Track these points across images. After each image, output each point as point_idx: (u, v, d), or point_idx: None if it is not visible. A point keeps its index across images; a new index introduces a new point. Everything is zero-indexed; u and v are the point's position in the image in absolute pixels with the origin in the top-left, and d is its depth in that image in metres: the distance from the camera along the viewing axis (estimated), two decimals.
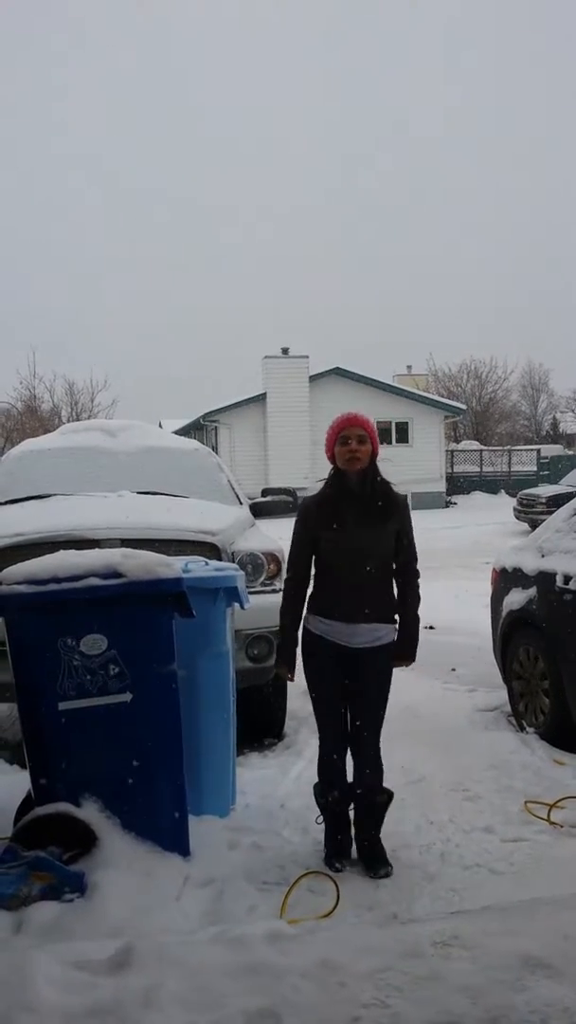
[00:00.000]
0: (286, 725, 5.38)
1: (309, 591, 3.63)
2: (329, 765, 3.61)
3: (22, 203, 78.33)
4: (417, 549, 3.67)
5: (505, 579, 5.69)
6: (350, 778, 3.61)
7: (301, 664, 3.60)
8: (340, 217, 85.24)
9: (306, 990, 2.23)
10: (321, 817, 3.65)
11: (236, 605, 4.10)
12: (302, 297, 73.81)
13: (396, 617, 3.60)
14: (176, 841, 3.29)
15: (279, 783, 4.43)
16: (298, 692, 5.81)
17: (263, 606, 4.78)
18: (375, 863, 3.48)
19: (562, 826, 3.86)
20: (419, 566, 3.67)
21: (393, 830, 3.67)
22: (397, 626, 3.60)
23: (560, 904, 2.76)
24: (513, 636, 5.51)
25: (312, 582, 3.64)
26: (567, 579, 4.88)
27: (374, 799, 3.56)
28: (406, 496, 3.68)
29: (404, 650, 3.62)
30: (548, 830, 3.85)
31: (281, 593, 3.70)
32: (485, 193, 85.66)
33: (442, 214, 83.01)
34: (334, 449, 3.54)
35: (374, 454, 3.54)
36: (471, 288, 77.75)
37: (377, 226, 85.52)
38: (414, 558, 3.64)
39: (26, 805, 3.38)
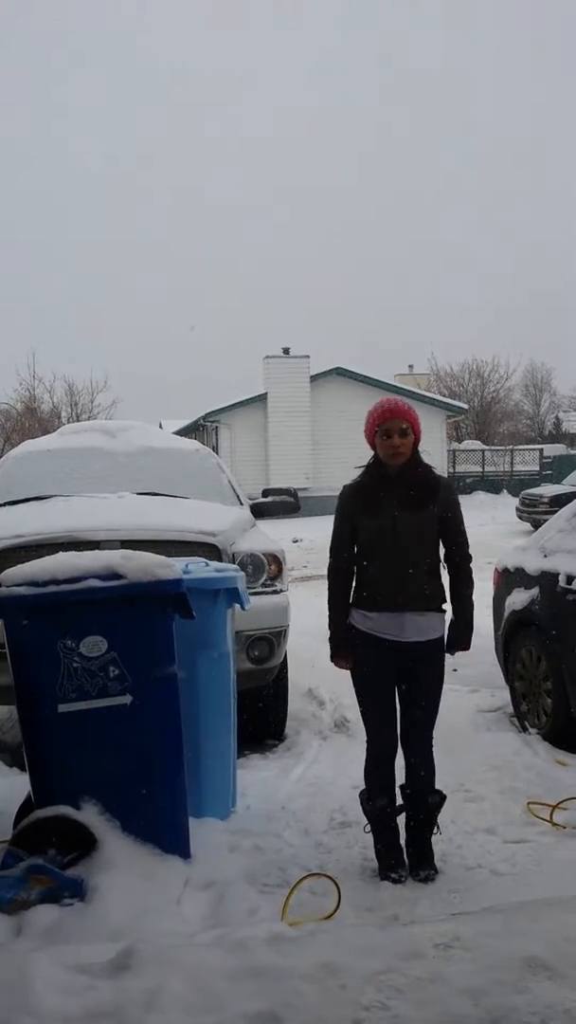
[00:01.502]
0: (287, 727, 5.38)
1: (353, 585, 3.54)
2: (379, 772, 3.51)
3: (22, 203, 78.41)
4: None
5: (507, 579, 5.68)
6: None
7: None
8: (341, 217, 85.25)
9: (307, 992, 2.22)
10: (369, 826, 3.54)
11: (237, 606, 4.10)
12: (303, 297, 73.85)
13: (446, 606, 3.50)
14: (176, 843, 3.28)
15: (280, 785, 4.43)
16: (299, 694, 5.82)
17: (264, 607, 4.79)
18: (421, 865, 3.43)
19: (564, 827, 3.85)
20: None
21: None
22: (447, 615, 3.51)
23: (562, 905, 2.75)
24: (515, 636, 5.50)
25: (355, 576, 3.54)
26: (570, 579, 4.87)
27: (427, 800, 3.49)
28: (450, 480, 3.59)
29: (460, 637, 3.53)
30: (550, 831, 3.84)
31: (327, 585, 3.58)
32: (487, 192, 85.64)
33: (443, 213, 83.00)
34: (375, 439, 3.44)
35: (416, 443, 3.45)
36: (473, 287, 77.82)
37: (378, 225, 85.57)
38: (465, 542, 3.53)
39: (26, 808, 3.37)
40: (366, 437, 3.49)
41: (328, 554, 3.59)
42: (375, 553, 3.43)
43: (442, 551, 3.54)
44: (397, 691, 3.50)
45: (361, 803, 3.57)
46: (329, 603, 3.56)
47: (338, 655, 3.55)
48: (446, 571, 3.57)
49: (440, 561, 3.52)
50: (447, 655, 3.55)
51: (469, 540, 3.58)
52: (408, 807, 3.52)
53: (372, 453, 3.51)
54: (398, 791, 3.55)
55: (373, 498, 3.43)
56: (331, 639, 3.56)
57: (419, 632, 3.42)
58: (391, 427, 3.39)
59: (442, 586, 3.51)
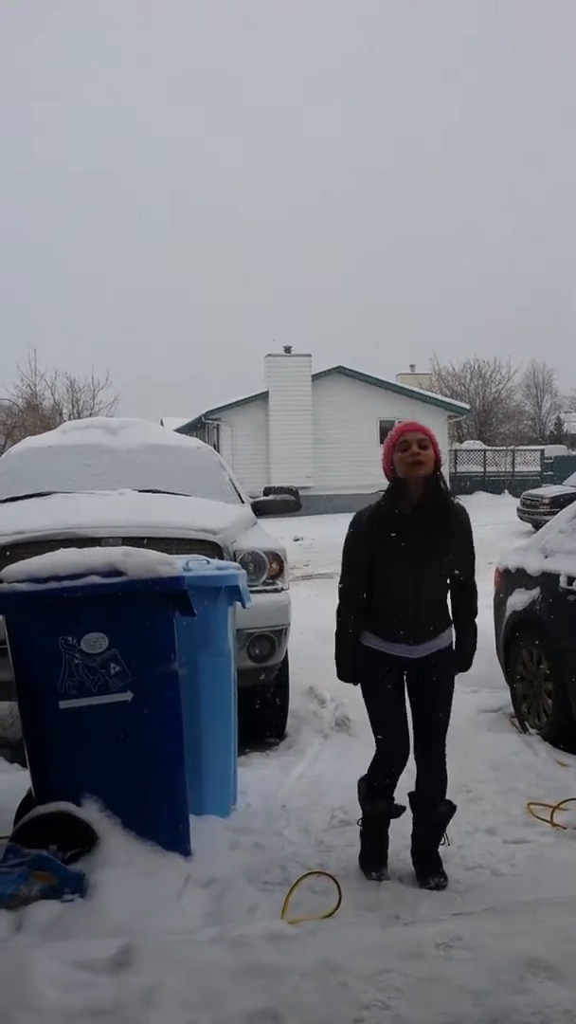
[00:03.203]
0: (288, 725, 5.38)
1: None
2: (386, 778, 3.50)
3: (22, 203, 78.36)
4: None
5: (508, 580, 5.68)
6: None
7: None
8: (342, 217, 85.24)
9: (307, 991, 2.22)
10: (361, 821, 3.57)
11: (238, 604, 4.09)
12: (305, 296, 73.85)
13: (451, 620, 3.50)
14: (177, 841, 3.28)
15: (281, 783, 4.43)
16: (300, 692, 5.82)
17: (265, 605, 4.78)
18: (429, 874, 3.42)
19: (565, 828, 3.85)
20: None
21: (395, 830, 3.65)
22: (452, 628, 3.50)
23: (563, 906, 2.75)
24: (516, 637, 5.50)
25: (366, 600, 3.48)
26: (571, 580, 4.87)
27: (436, 809, 3.48)
28: (466, 512, 3.49)
29: (462, 660, 3.53)
30: (551, 832, 3.84)
31: (336, 617, 3.51)
32: (489, 192, 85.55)
33: (445, 213, 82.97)
34: (392, 459, 3.35)
35: (437, 462, 3.36)
36: (474, 287, 77.77)
37: (380, 225, 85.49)
38: (473, 571, 3.50)
39: (27, 804, 3.37)
40: (384, 465, 3.41)
41: (340, 580, 3.50)
42: (389, 582, 3.37)
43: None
44: (408, 701, 3.50)
45: (359, 797, 3.57)
46: (338, 627, 3.49)
47: (344, 675, 3.53)
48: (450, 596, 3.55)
49: (448, 588, 3.50)
50: None
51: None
52: (417, 816, 3.52)
53: (389, 482, 3.43)
54: (408, 799, 3.55)
55: (391, 526, 3.34)
56: (337, 660, 3.52)
57: (429, 648, 3.43)
58: (409, 439, 3.33)
59: (448, 607, 3.51)
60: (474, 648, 3.56)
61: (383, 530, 3.35)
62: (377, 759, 3.52)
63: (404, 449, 3.33)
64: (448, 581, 3.47)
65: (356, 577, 3.43)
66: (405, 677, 3.48)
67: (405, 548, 3.32)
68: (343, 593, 3.48)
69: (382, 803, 3.51)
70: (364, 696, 3.52)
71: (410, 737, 3.49)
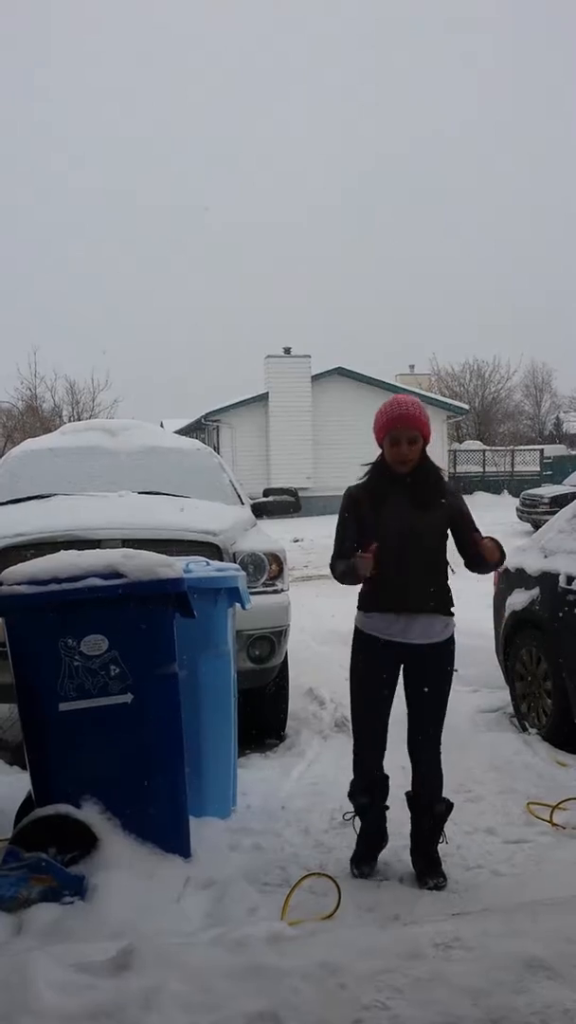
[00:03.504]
0: (287, 726, 5.38)
1: (358, 588, 3.49)
2: (362, 771, 3.53)
3: (23, 202, 78.37)
4: None
5: (508, 579, 5.68)
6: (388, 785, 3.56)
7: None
8: (342, 217, 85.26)
9: (307, 992, 2.22)
10: (351, 814, 3.59)
11: (237, 605, 4.10)
12: (304, 297, 73.87)
13: (453, 610, 3.47)
14: (177, 842, 3.28)
15: (281, 784, 4.43)
16: (299, 693, 5.82)
17: (265, 607, 4.79)
18: (428, 874, 3.42)
19: (564, 828, 3.85)
20: None
21: (395, 831, 3.66)
22: (454, 619, 3.47)
23: (562, 906, 2.75)
24: (516, 637, 5.50)
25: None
26: (570, 580, 4.87)
27: (433, 809, 3.48)
28: (452, 482, 3.54)
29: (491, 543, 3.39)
30: (550, 832, 3.84)
31: (332, 574, 3.50)
32: (488, 192, 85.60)
33: (445, 214, 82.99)
34: (383, 442, 3.38)
35: (426, 440, 3.39)
36: (474, 288, 77.79)
37: (380, 226, 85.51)
38: (476, 528, 3.48)
39: (26, 806, 3.37)
40: (375, 435, 3.43)
41: (332, 554, 3.52)
42: (382, 552, 3.34)
43: (451, 552, 3.48)
44: (405, 696, 3.50)
45: (349, 795, 3.61)
46: (338, 575, 3.46)
47: (360, 564, 3.27)
48: (464, 564, 3.52)
49: (447, 564, 3.47)
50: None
51: None
52: (414, 815, 3.52)
53: (378, 452, 3.47)
54: (405, 798, 3.57)
55: (380, 497, 3.38)
56: (348, 568, 3.35)
57: (426, 634, 3.39)
58: (400, 436, 3.34)
59: (449, 589, 3.47)
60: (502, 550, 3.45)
61: (372, 501, 3.39)
62: (356, 750, 3.55)
63: (394, 444, 3.35)
64: (444, 556, 3.44)
65: (345, 549, 3.44)
66: (402, 669, 3.46)
67: (394, 516, 3.34)
68: (332, 566, 3.50)
69: (363, 797, 3.53)
70: (350, 682, 3.52)
71: (387, 728, 3.49)
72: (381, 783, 3.56)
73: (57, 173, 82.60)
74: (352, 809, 3.61)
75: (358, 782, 3.56)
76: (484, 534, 3.49)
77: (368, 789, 3.54)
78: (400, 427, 3.35)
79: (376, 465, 3.47)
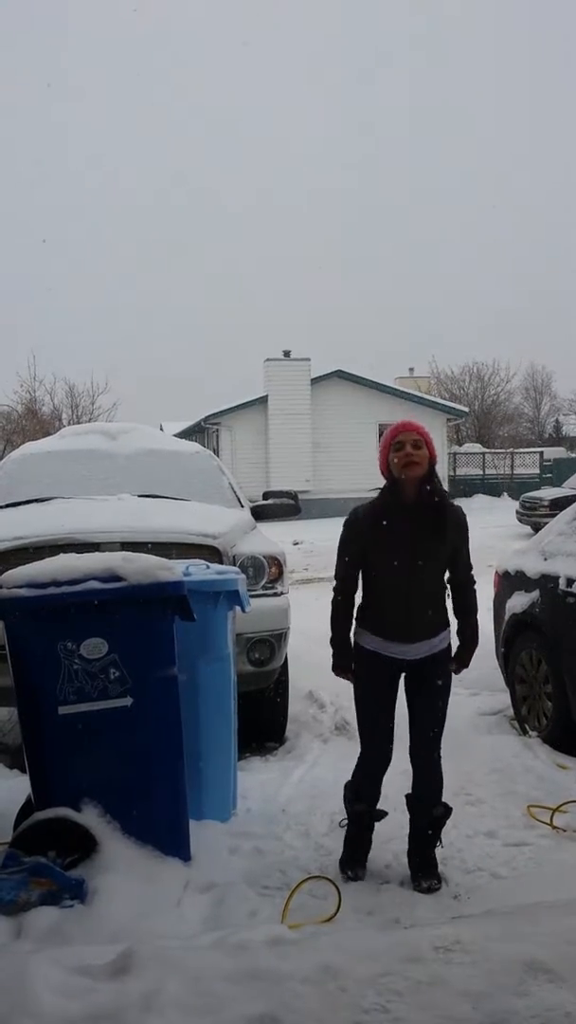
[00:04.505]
0: (287, 729, 5.37)
1: (357, 603, 3.52)
2: (367, 783, 3.53)
3: (23, 202, 78.48)
4: None
5: (508, 582, 5.68)
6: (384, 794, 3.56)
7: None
8: (342, 219, 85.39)
9: (307, 995, 2.22)
10: (346, 820, 3.59)
11: (237, 608, 4.10)
12: (304, 300, 73.92)
13: (448, 621, 3.50)
14: (177, 846, 3.28)
15: (280, 787, 4.42)
16: (299, 696, 5.81)
17: (264, 610, 4.79)
18: (423, 876, 3.41)
19: (565, 830, 3.85)
20: None
21: (395, 834, 3.66)
22: (453, 630, 3.50)
23: (563, 909, 2.75)
24: (516, 639, 5.50)
25: (361, 595, 3.51)
26: (570, 582, 4.87)
27: (432, 812, 3.49)
28: (463, 511, 3.50)
29: (461, 656, 3.55)
30: (551, 834, 3.83)
31: (330, 607, 3.54)
32: (488, 193, 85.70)
33: (444, 215, 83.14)
34: (388, 459, 3.37)
35: (432, 461, 3.39)
36: (474, 290, 77.84)
37: (379, 228, 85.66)
38: (470, 567, 3.52)
39: (26, 810, 3.37)
40: (380, 464, 3.43)
41: (334, 574, 3.53)
42: (384, 580, 3.39)
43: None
44: (407, 701, 3.51)
45: (343, 799, 3.61)
46: (332, 620, 3.52)
47: (340, 667, 3.54)
48: (449, 595, 3.56)
49: (446, 587, 3.51)
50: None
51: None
52: (413, 817, 3.52)
53: (385, 480, 3.45)
54: (405, 801, 3.56)
55: (386, 524, 3.36)
56: (334, 661, 3.54)
57: (424, 650, 3.43)
58: (404, 439, 3.34)
59: (446, 607, 3.51)
60: (475, 644, 3.57)
61: (378, 527, 3.37)
62: (359, 761, 3.56)
63: (398, 449, 3.35)
64: (445, 580, 3.49)
65: (349, 571, 3.46)
66: (402, 679, 3.49)
67: (400, 546, 3.33)
68: (336, 588, 3.52)
69: (361, 804, 3.53)
70: (355, 696, 3.54)
71: (393, 743, 3.51)
72: (377, 795, 3.56)
73: (57, 170, 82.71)
74: (346, 815, 3.61)
75: (358, 790, 3.56)
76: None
77: (366, 797, 3.54)
78: (402, 432, 3.37)
79: (384, 490, 3.44)
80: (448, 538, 3.40)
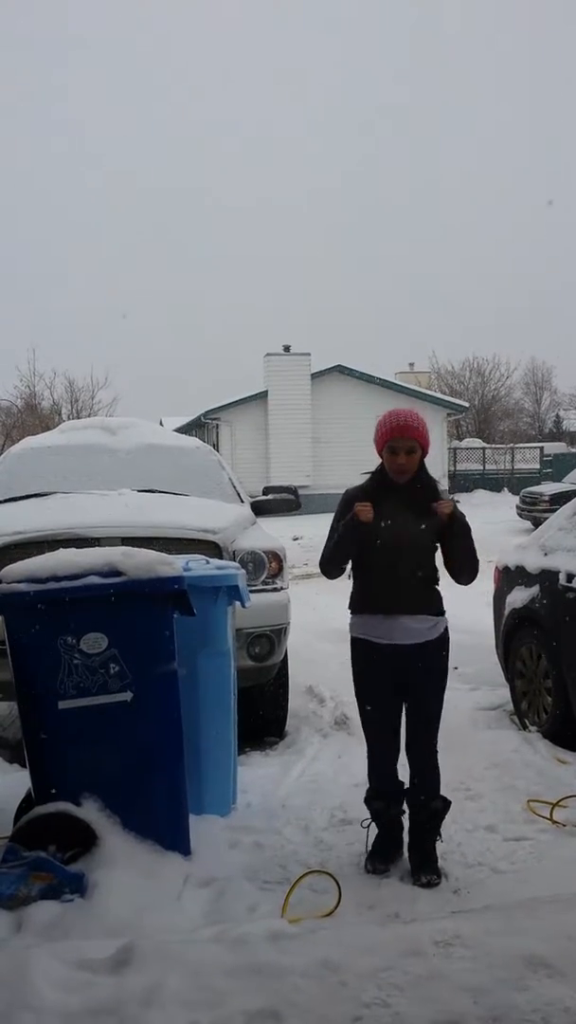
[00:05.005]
0: (287, 724, 5.38)
1: (348, 592, 3.54)
2: (378, 776, 3.54)
3: (23, 202, 78.37)
4: None
5: (508, 577, 5.68)
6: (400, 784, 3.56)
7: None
8: (342, 214, 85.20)
9: (307, 989, 2.22)
10: (368, 821, 3.57)
11: (237, 603, 4.09)
12: (304, 294, 73.77)
13: (443, 610, 3.50)
14: (177, 840, 3.28)
15: (280, 782, 4.43)
16: (299, 691, 5.82)
17: (264, 605, 4.78)
18: (423, 870, 3.41)
19: (564, 825, 3.85)
20: None
21: None
22: (444, 618, 3.49)
23: (562, 903, 2.75)
24: (516, 634, 5.50)
25: (352, 581, 3.54)
26: (570, 577, 4.87)
27: (430, 805, 3.48)
28: (452, 496, 3.56)
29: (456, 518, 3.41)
30: (550, 829, 3.84)
31: (320, 559, 3.54)
32: (488, 190, 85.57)
33: (445, 211, 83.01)
34: (382, 451, 3.44)
35: (424, 456, 3.45)
36: (474, 285, 77.74)
37: (380, 223, 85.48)
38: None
39: (26, 804, 3.37)
40: (375, 445, 3.48)
41: (322, 552, 3.55)
42: (371, 559, 3.43)
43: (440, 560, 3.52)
44: (402, 695, 3.50)
45: (365, 800, 3.60)
46: (327, 551, 3.50)
47: (359, 519, 3.34)
48: (445, 575, 3.54)
49: (437, 572, 3.51)
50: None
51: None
52: (411, 812, 3.53)
53: (379, 461, 3.50)
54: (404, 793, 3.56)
55: (376, 501, 3.40)
56: (345, 530, 3.41)
57: (409, 635, 3.41)
58: (398, 446, 3.39)
59: (438, 594, 3.51)
60: (462, 525, 3.44)
61: (368, 501, 3.39)
62: (367, 757, 3.57)
63: (392, 453, 3.40)
64: (435, 566, 3.48)
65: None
66: (394, 672, 3.47)
67: (385, 526, 3.37)
68: (323, 562, 3.52)
69: (379, 802, 3.53)
70: (355, 691, 3.56)
71: (400, 734, 3.51)
72: (395, 790, 3.55)
73: (57, 170, 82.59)
74: (369, 816, 3.59)
75: (374, 786, 3.57)
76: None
77: (383, 792, 3.54)
78: (398, 437, 3.39)
79: (375, 473, 3.52)
80: (433, 517, 3.41)
